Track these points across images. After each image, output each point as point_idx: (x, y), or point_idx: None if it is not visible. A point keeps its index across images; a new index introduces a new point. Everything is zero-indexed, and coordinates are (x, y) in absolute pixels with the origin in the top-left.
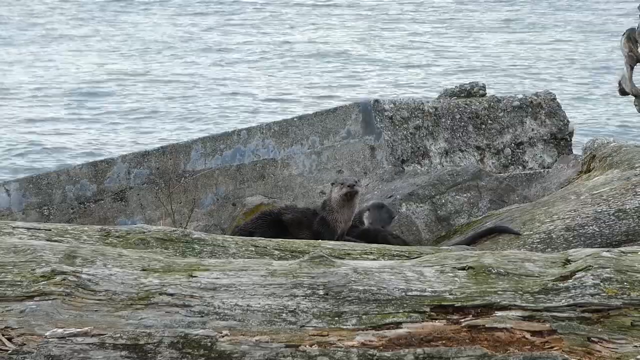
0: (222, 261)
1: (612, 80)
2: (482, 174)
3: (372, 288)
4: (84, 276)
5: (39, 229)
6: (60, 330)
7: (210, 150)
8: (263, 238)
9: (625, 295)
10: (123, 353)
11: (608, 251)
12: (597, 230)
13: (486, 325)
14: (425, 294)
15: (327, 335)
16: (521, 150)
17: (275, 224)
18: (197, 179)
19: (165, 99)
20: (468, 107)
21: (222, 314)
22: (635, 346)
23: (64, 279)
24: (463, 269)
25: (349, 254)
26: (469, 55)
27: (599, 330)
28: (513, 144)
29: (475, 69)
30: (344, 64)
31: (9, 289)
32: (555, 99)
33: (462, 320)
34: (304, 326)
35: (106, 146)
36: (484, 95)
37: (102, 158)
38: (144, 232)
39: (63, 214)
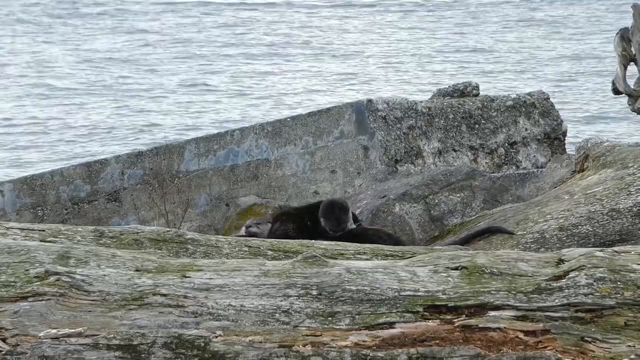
0: (216, 261)
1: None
2: (476, 173)
3: (365, 288)
4: (77, 277)
5: (33, 230)
6: (54, 331)
7: (203, 150)
8: (257, 238)
9: (618, 295)
10: (117, 353)
11: (601, 251)
12: (591, 229)
13: (479, 325)
14: (419, 293)
15: (321, 335)
16: (515, 150)
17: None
18: (191, 179)
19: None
20: (461, 106)
21: (215, 314)
22: (629, 346)
23: (57, 280)
24: (456, 268)
25: (342, 254)
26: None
27: (593, 330)
28: (506, 144)
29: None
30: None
31: (2, 289)
32: (548, 98)
33: (456, 320)
34: (297, 326)
35: None
36: (477, 95)
37: (95, 159)
38: (138, 233)
39: (57, 215)
